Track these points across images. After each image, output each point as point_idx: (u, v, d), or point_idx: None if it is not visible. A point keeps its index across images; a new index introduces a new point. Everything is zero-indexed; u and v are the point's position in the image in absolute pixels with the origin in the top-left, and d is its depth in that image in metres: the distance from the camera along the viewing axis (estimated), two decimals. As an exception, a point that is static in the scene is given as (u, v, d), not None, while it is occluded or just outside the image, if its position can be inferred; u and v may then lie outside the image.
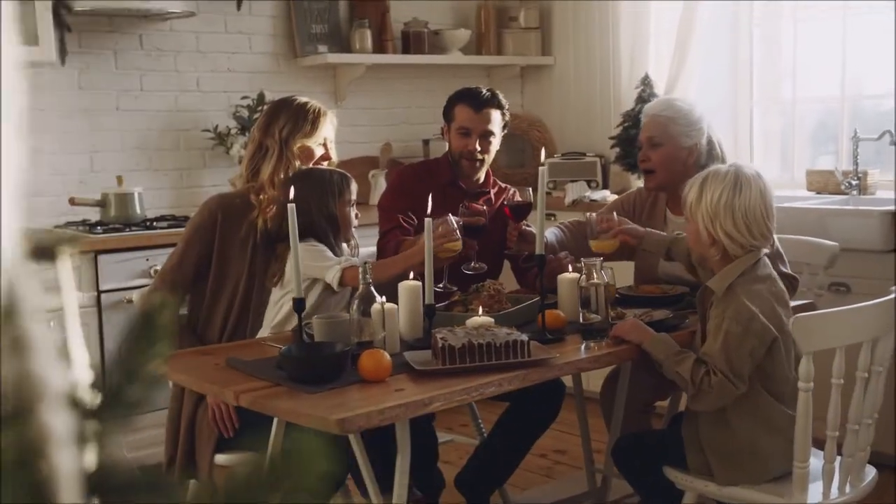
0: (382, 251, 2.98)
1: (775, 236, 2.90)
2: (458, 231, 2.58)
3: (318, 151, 2.79)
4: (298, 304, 2.22)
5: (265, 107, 2.81)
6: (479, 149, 3.02)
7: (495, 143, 3.07)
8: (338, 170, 2.76)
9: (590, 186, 4.77)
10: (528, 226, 2.85)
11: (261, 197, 2.70)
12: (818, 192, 4.20)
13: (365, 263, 2.28)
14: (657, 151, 2.92)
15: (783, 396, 2.26)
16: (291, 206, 2.22)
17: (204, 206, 2.73)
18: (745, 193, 2.24)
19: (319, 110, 2.79)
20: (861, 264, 3.50)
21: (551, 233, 2.96)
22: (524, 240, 2.84)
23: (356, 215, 2.74)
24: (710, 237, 2.28)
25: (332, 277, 2.54)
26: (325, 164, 2.82)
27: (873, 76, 4.36)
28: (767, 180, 2.31)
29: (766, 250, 2.34)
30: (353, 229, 2.77)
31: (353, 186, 2.73)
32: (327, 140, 2.81)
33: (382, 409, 1.87)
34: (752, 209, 2.23)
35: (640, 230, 2.77)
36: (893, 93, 4.11)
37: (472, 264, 2.77)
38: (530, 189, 2.85)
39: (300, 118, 2.74)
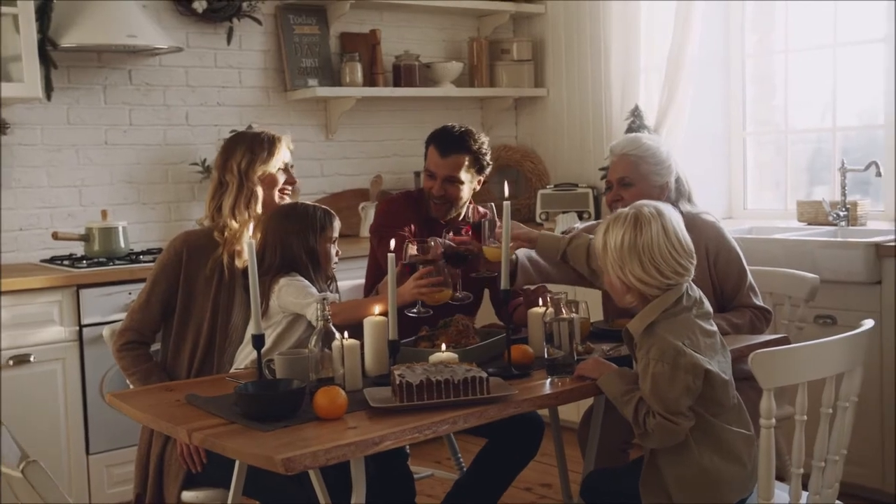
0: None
1: (748, 268, 2.88)
2: (449, 279, 2.56)
3: (282, 177, 2.81)
4: (257, 341, 2.20)
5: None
6: (439, 193, 3.00)
7: (464, 188, 3.02)
8: (322, 206, 2.78)
9: (581, 218, 4.75)
10: (494, 243, 2.77)
11: (225, 234, 2.70)
12: (809, 223, 4.17)
13: (324, 299, 2.27)
14: (629, 191, 2.87)
15: (731, 418, 2.21)
16: (251, 242, 2.21)
17: (170, 244, 2.75)
18: (646, 233, 2.16)
19: (274, 136, 2.81)
20: (847, 296, 3.47)
21: (523, 252, 2.90)
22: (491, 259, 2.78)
23: (336, 252, 2.74)
24: (624, 284, 2.22)
25: (313, 314, 2.54)
26: (290, 189, 2.84)
27: (865, 107, 4.35)
28: (672, 216, 2.23)
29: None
30: (333, 266, 2.76)
31: (336, 224, 2.75)
32: (286, 164, 2.82)
33: (329, 448, 1.85)
34: (656, 248, 2.16)
35: (533, 233, 2.72)
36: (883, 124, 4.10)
37: (457, 294, 2.72)
38: (492, 205, 2.79)
39: (256, 147, 2.76)
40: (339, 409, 2.05)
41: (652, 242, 2.16)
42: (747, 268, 2.88)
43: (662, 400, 2.12)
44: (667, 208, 2.25)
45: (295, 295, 2.59)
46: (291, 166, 2.87)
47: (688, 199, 2.95)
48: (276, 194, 2.81)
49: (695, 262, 2.23)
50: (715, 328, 2.26)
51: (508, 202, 2.45)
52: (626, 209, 2.25)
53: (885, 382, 3.40)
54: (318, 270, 2.68)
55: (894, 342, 3.37)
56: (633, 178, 2.89)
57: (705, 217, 2.94)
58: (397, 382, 2.11)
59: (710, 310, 2.28)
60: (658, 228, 2.17)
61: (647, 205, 2.24)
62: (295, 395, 2.08)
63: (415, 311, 2.59)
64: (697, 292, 2.27)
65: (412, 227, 3.06)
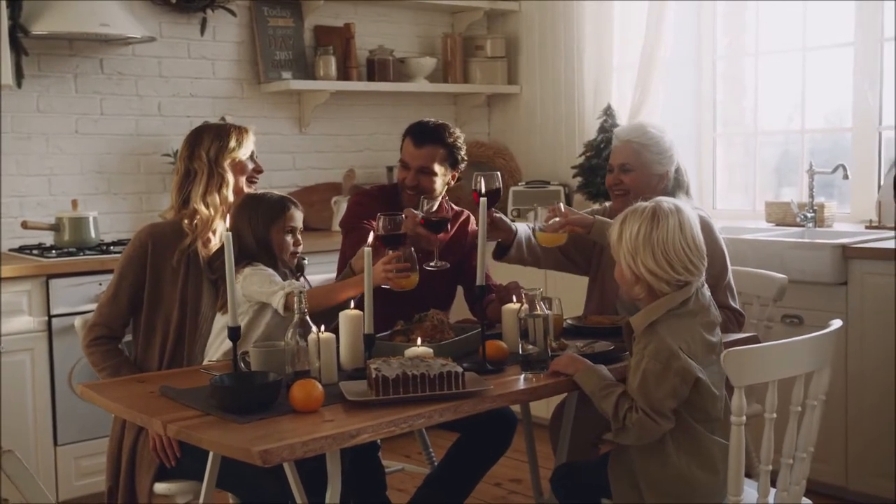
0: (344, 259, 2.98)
1: (730, 269, 2.91)
2: (416, 265, 2.56)
3: (250, 165, 2.81)
4: (233, 333, 2.20)
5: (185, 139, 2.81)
6: (412, 183, 3.01)
7: (437, 180, 3.02)
8: (279, 194, 2.74)
9: (553, 215, 4.78)
10: (496, 213, 2.85)
11: (195, 222, 2.69)
12: (777, 224, 4.23)
13: (300, 293, 2.27)
14: (629, 176, 2.94)
15: (714, 427, 2.24)
16: (228, 234, 2.21)
17: (135, 236, 2.73)
18: (662, 227, 2.20)
19: (241, 127, 2.82)
20: (814, 296, 3.52)
21: (523, 229, 2.97)
22: (495, 227, 2.84)
23: (295, 242, 2.70)
24: (634, 275, 2.25)
25: (278, 303, 2.53)
26: (258, 177, 2.84)
27: (832, 110, 4.42)
28: (690, 215, 2.27)
29: (702, 288, 2.30)
30: (295, 256, 2.73)
31: (293, 213, 2.69)
32: (254, 154, 2.83)
33: (306, 441, 1.85)
34: (670, 242, 2.19)
35: (588, 219, 2.75)
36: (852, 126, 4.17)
37: (435, 262, 2.75)
38: (498, 173, 2.81)
39: (223, 136, 2.76)
40: (314, 403, 2.05)
41: (667, 236, 2.19)
42: (729, 268, 2.91)
43: (648, 397, 2.14)
44: (686, 207, 2.28)
45: (260, 284, 2.57)
46: (256, 157, 2.87)
47: (685, 191, 3.00)
48: (245, 182, 2.80)
49: (706, 263, 2.26)
50: (717, 339, 2.27)
51: (485, 199, 2.46)
52: (647, 203, 2.28)
53: (849, 381, 3.46)
54: (271, 260, 2.65)
55: (860, 342, 3.43)
56: (634, 164, 2.94)
57: (698, 213, 2.95)
58: (373, 376, 2.12)
59: (718, 319, 2.31)
60: (675, 224, 2.21)
61: (667, 201, 2.28)
62: (271, 388, 2.08)
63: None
64: (707, 299, 2.29)
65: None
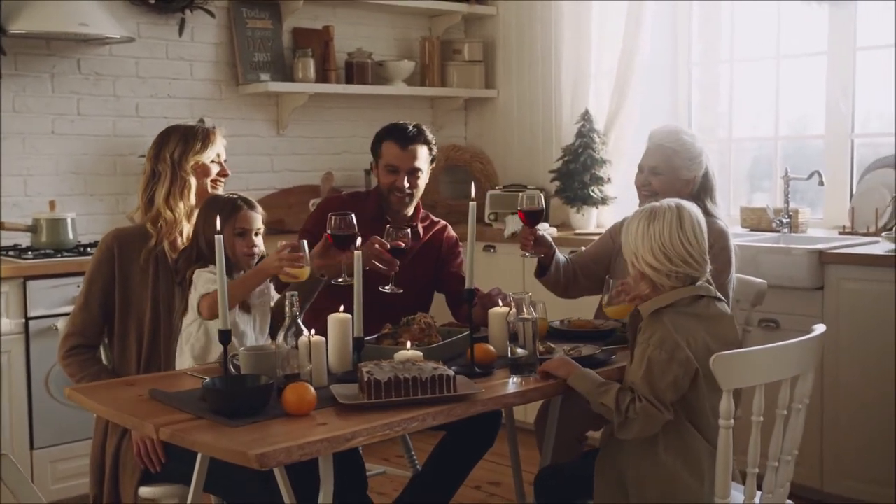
0: None
1: (733, 277, 2.93)
2: (306, 258, 2.47)
3: (214, 168, 2.79)
4: (224, 336, 2.19)
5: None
6: (406, 185, 3.04)
7: (423, 179, 3.11)
8: (235, 196, 2.68)
9: (530, 219, 4.80)
10: (539, 230, 2.95)
11: (159, 224, 2.68)
12: (752, 229, 4.28)
13: (292, 295, 2.27)
14: (658, 179, 3.00)
15: (707, 431, 2.27)
16: (219, 238, 2.19)
17: (101, 241, 2.71)
18: (658, 222, 2.30)
19: (209, 129, 2.81)
20: (790, 301, 3.57)
21: (559, 253, 3.07)
22: (539, 244, 2.95)
23: (248, 244, 2.62)
24: (638, 272, 2.33)
25: (195, 305, 2.52)
26: (222, 181, 2.82)
27: (803, 118, 4.49)
28: (692, 211, 2.34)
29: (717, 302, 2.34)
30: (252, 258, 2.64)
31: (245, 214, 2.62)
32: (220, 157, 2.81)
33: (303, 444, 1.86)
34: (667, 236, 2.28)
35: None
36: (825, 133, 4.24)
37: (389, 286, 2.77)
38: (541, 195, 2.91)
39: (189, 138, 2.74)
40: (307, 406, 2.05)
41: (663, 230, 2.29)
42: (732, 276, 2.93)
43: (652, 385, 2.20)
44: (689, 205, 2.36)
45: (202, 285, 2.53)
46: (225, 160, 2.84)
47: (710, 195, 3.04)
48: (209, 184, 2.78)
49: (707, 258, 2.34)
50: None
51: (474, 203, 2.48)
52: (649, 204, 2.38)
53: (825, 385, 3.52)
54: (226, 263, 2.60)
55: (835, 346, 3.49)
56: (664, 169, 2.99)
57: (717, 221, 2.97)
58: (365, 380, 2.12)
59: (736, 337, 2.34)
60: (672, 218, 2.30)
61: (669, 200, 2.37)
62: (264, 391, 2.08)
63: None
64: (723, 314, 2.34)
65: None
